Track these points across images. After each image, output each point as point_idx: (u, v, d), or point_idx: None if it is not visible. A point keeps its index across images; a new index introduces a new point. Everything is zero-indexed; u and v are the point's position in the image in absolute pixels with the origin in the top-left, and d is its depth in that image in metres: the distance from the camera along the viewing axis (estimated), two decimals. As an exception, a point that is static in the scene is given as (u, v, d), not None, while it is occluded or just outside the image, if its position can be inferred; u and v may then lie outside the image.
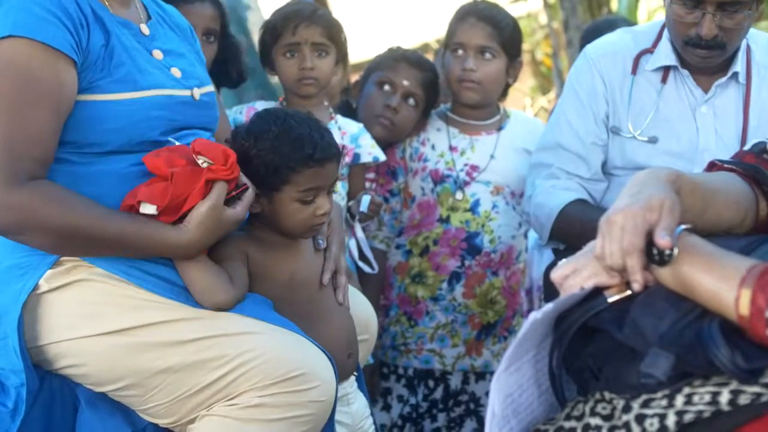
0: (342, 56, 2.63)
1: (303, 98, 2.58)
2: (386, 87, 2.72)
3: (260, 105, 2.64)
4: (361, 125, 2.67)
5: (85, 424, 1.76)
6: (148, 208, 1.72)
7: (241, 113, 2.62)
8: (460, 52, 2.72)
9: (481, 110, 2.81)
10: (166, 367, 1.73)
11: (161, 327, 1.73)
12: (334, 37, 2.57)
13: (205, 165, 1.75)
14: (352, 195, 2.64)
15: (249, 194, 1.82)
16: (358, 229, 2.58)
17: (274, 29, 2.58)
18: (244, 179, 1.83)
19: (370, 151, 2.64)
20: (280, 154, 1.86)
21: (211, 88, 2.03)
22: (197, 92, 1.93)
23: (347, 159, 2.61)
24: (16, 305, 1.72)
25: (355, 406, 2.07)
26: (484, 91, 2.74)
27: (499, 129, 2.83)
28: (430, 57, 3.09)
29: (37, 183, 1.66)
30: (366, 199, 2.54)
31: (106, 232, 1.70)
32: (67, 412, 1.77)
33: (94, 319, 1.73)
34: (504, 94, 2.88)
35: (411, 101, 2.73)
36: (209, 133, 1.99)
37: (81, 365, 1.75)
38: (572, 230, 2.34)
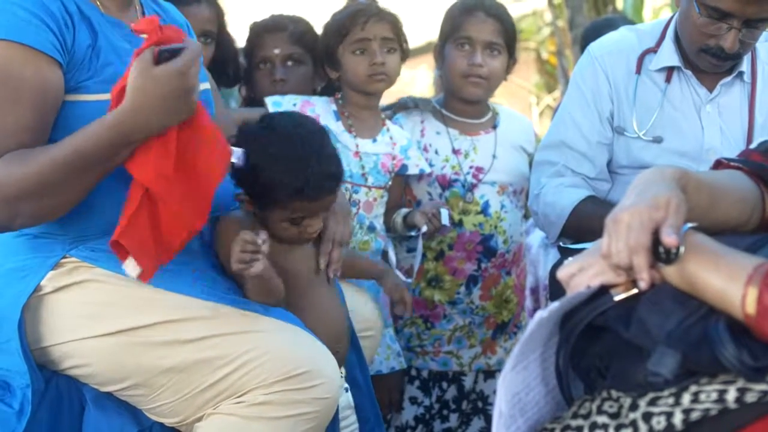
0: (405, 55, 2.61)
1: (370, 96, 2.56)
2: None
3: (315, 99, 2.59)
4: (409, 136, 2.67)
5: (91, 423, 1.76)
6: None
7: (295, 105, 2.54)
8: (467, 47, 2.69)
9: (477, 106, 2.80)
10: (171, 366, 1.73)
11: (164, 326, 1.74)
12: (399, 33, 2.56)
13: None
14: (390, 204, 2.62)
15: (188, 51, 1.66)
16: (419, 243, 2.58)
17: (341, 28, 2.52)
18: (186, 40, 1.71)
19: (417, 163, 2.64)
20: (271, 181, 1.87)
21: (206, 85, 2.00)
22: None
23: (395, 168, 2.59)
24: (17, 307, 1.72)
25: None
26: (489, 87, 2.73)
27: (494, 127, 2.82)
28: (432, 55, 3.06)
29: None
30: (445, 213, 2.54)
31: (68, 153, 1.63)
32: (74, 411, 1.77)
33: (97, 320, 1.73)
34: None
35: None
36: None
37: (86, 365, 1.75)
38: (588, 227, 2.31)
